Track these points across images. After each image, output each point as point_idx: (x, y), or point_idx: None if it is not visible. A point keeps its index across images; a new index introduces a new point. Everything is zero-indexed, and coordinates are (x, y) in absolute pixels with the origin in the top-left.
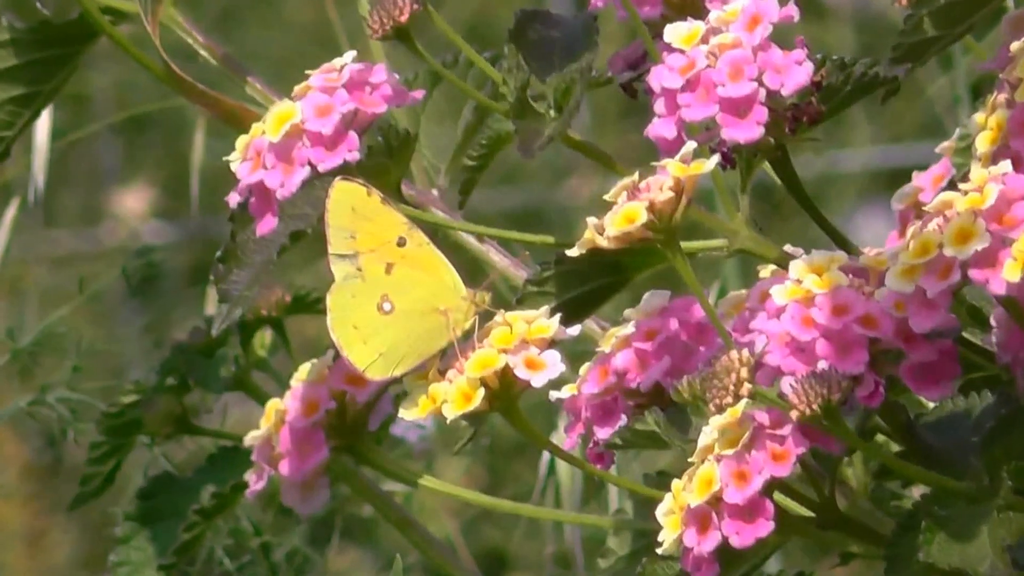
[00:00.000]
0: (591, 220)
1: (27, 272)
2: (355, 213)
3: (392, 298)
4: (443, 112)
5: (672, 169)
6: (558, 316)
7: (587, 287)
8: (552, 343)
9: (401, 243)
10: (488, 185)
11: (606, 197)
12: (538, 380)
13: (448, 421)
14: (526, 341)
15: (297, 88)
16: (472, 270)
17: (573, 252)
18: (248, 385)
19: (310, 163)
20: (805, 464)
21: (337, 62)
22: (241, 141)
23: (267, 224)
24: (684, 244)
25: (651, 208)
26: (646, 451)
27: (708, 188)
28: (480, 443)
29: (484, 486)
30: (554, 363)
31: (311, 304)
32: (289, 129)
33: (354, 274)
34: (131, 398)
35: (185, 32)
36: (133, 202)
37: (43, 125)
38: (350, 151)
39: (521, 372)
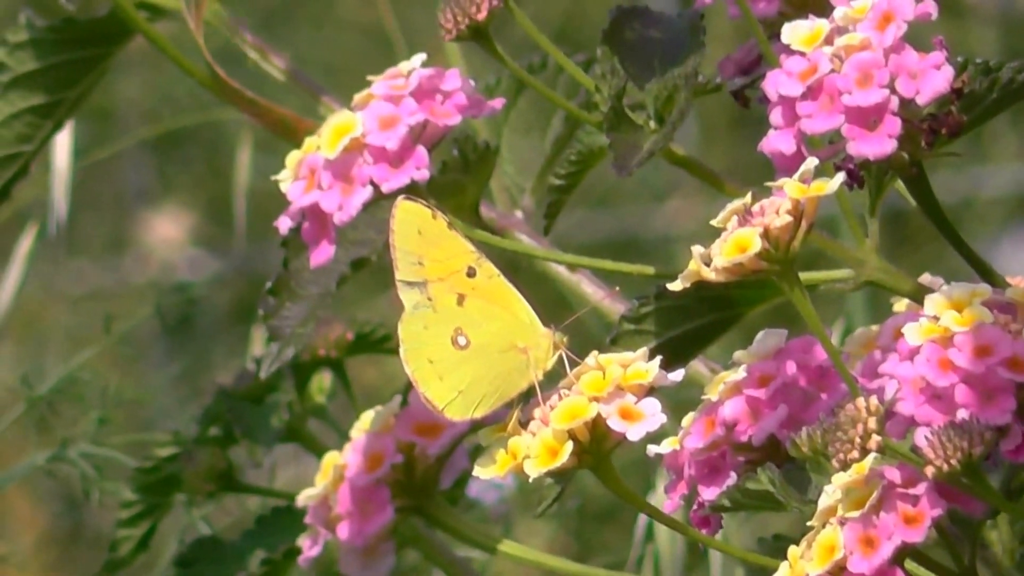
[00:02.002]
0: (697, 249)
1: (46, 309)
2: (422, 237)
3: (467, 332)
4: (529, 122)
5: (790, 190)
6: (658, 359)
7: (692, 325)
8: (651, 390)
9: (471, 273)
10: (579, 207)
11: (714, 222)
12: (635, 433)
13: (531, 480)
14: (621, 388)
15: (357, 97)
16: (560, 303)
17: (676, 285)
18: (303, 436)
19: (372, 182)
20: (941, 528)
21: (404, 67)
22: (293, 157)
23: (323, 252)
24: (804, 276)
25: (766, 235)
26: (758, 514)
27: (832, 212)
28: (567, 505)
29: (571, 554)
30: (653, 413)
31: (376, 343)
32: (348, 144)
33: (424, 303)
34: (168, 451)
35: (231, 31)
36: (167, 229)
37: (64, 140)
38: (418, 168)
39: (615, 423)
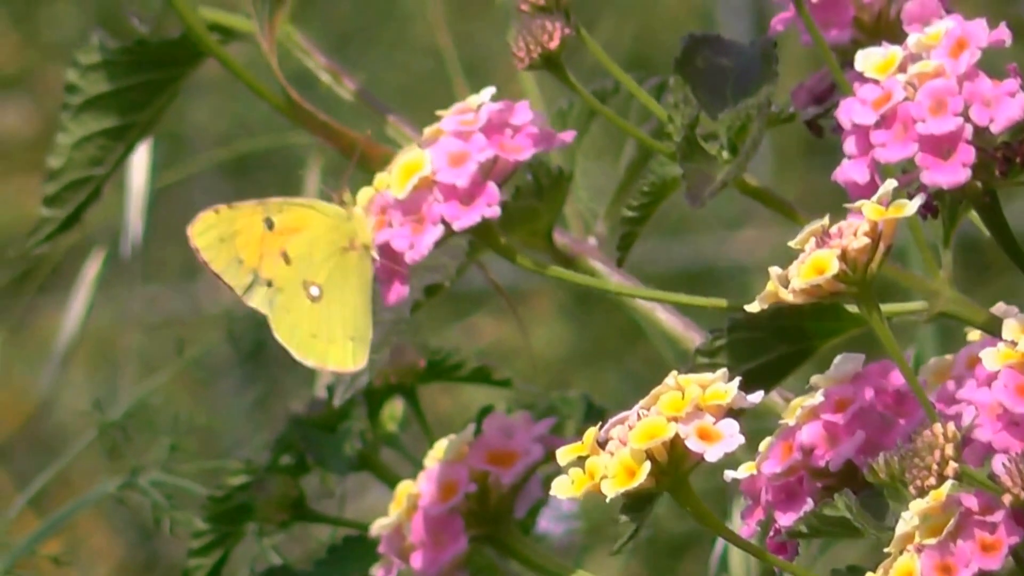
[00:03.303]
0: (775, 270)
1: (119, 335)
2: (223, 240)
3: (310, 278)
4: (601, 147)
5: (868, 212)
6: (737, 380)
7: (766, 357)
8: (730, 411)
9: (270, 225)
10: (652, 236)
11: (791, 244)
12: (713, 453)
13: (608, 499)
14: (700, 408)
15: (427, 132)
16: (634, 330)
17: (753, 307)
18: (375, 465)
19: (443, 221)
20: (1019, 555)
21: (473, 101)
22: (364, 194)
23: (396, 292)
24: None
25: (843, 257)
26: (835, 541)
27: (902, 243)
28: (638, 538)
29: None
30: (732, 434)
31: (448, 371)
32: (418, 182)
33: (271, 292)
34: (240, 480)
35: (304, 54)
36: None
37: (140, 163)
38: (489, 205)
39: (693, 444)
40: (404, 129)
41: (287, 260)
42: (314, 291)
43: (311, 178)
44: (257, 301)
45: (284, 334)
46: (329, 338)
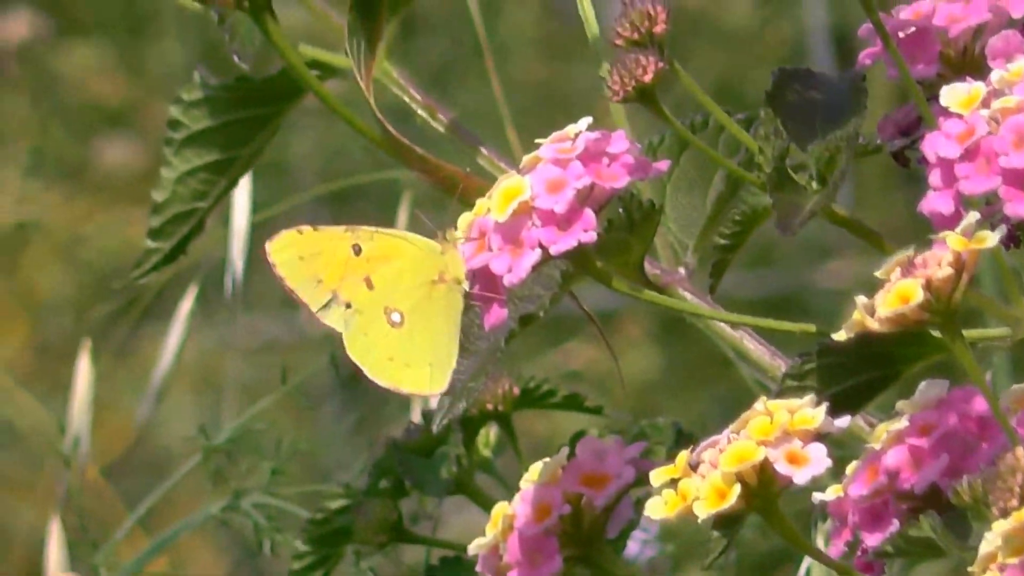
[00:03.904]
0: (860, 299)
1: (223, 362)
2: (304, 260)
3: (393, 305)
4: (691, 180)
5: (952, 243)
6: (825, 405)
7: (852, 381)
8: (818, 436)
9: (357, 251)
10: (739, 267)
11: (877, 274)
12: (801, 476)
13: (700, 520)
14: (788, 433)
15: (525, 159)
16: (721, 359)
17: (840, 336)
18: (470, 488)
19: (541, 245)
20: None
21: (571, 130)
22: (464, 219)
23: (495, 315)
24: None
25: (928, 286)
26: (919, 561)
27: (979, 272)
28: (727, 558)
29: None
30: (819, 458)
31: (542, 398)
32: (517, 207)
33: (349, 314)
34: (340, 503)
35: (401, 89)
36: None
37: (242, 199)
38: (585, 231)
39: (782, 467)
40: (498, 162)
41: (370, 285)
42: (395, 317)
43: (402, 211)
44: (332, 319)
45: (358, 353)
46: (406, 362)
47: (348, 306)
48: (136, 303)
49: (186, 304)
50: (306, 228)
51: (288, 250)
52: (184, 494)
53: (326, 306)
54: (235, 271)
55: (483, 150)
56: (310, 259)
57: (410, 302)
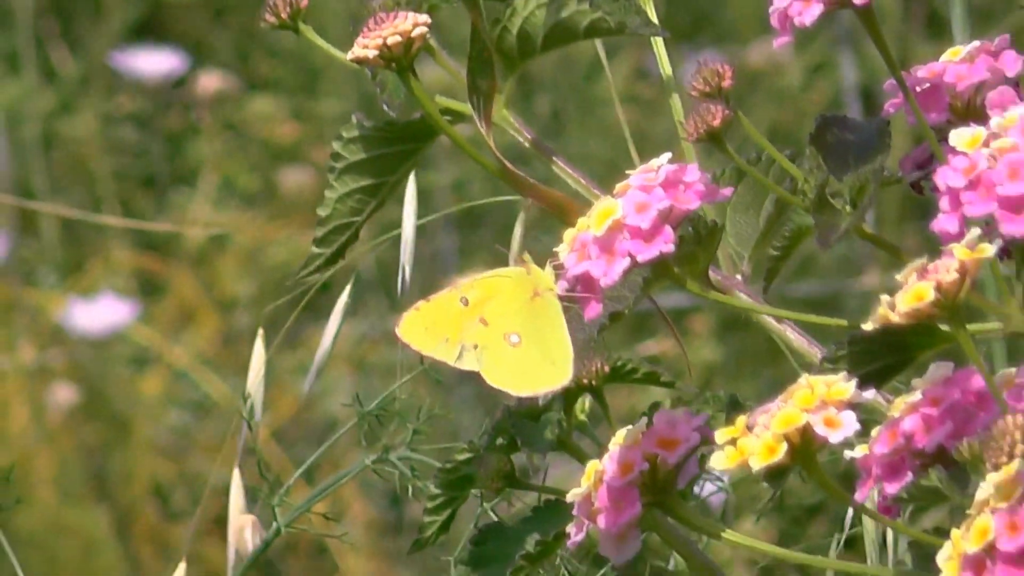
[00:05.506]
0: (884, 297)
1: (374, 349)
2: (428, 329)
3: (509, 330)
4: (747, 204)
5: (958, 253)
6: (855, 380)
7: (877, 364)
8: (849, 405)
9: (465, 303)
10: (787, 274)
11: (897, 277)
12: (835, 437)
13: (754, 472)
14: (825, 402)
15: (618, 186)
16: (771, 347)
17: (868, 326)
18: (569, 446)
19: (630, 254)
20: None
21: (654, 163)
22: (568, 234)
23: (593, 309)
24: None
25: (938, 287)
26: (928, 506)
27: (980, 279)
28: (771, 504)
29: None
30: (850, 422)
31: (627, 374)
32: (611, 224)
33: (478, 353)
34: (465, 456)
35: (516, 131)
36: None
37: (410, 216)
38: (666, 244)
39: (820, 429)
40: (593, 189)
41: (485, 323)
42: (514, 339)
43: (516, 229)
44: (468, 364)
45: (497, 380)
46: (535, 370)
47: (475, 347)
48: (303, 300)
49: (342, 299)
50: (420, 303)
51: (414, 327)
52: (343, 451)
53: (460, 356)
54: (405, 272)
55: (582, 179)
56: (432, 327)
57: (520, 322)
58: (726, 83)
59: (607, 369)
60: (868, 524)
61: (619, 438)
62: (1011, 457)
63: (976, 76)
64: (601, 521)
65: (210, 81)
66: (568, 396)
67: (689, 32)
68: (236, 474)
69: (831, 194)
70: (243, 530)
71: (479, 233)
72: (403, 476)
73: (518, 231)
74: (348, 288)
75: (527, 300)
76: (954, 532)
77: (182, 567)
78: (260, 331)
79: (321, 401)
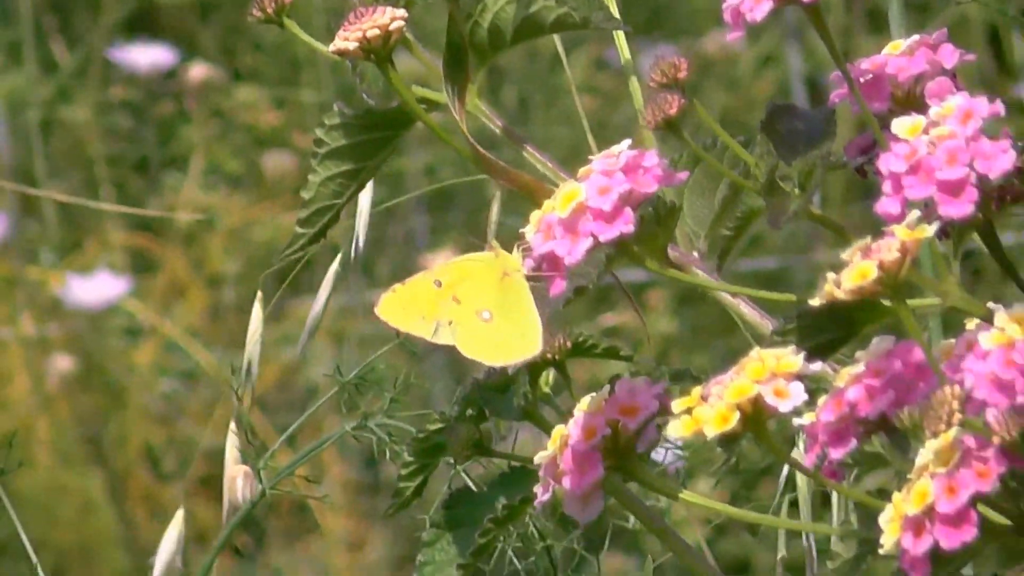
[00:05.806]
0: (830, 275)
1: (350, 322)
2: (404, 308)
3: (479, 308)
4: (703, 187)
5: (899, 233)
6: (803, 354)
7: (824, 337)
8: (797, 376)
9: (439, 284)
10: (740, 252)
11: (843, 255)
12: (784, 407)
13: (708, 439)
14: (775, 374)
15: (581, 171)
16: (725, 320)
17: (815, 302)
18: (535, 416)
19: (592, 234)
20: (1005, 481)
21: (615, 149)
22: (535, 216)
23: (558, 287)
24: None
25: (881, 266)
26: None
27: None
28: (725, 468)
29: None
30: (798, 393)
31: (588, 349)
32: (575, 206)
33: (452, 328)
34: (437, 426)
35: (487, 118)
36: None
37: (366, 197)
38: (626, 224)
39: (770, 399)
40: (560, 172)
41: (458, 302)
42: (486, 315)
43: (491, 210)
44: (444, 338)
45: (471, 352)
46: (506, 343)
47: (450, 323)
48: (289, 276)
49: (331, 271)
50: (396, 286)
51: (391, 307)
52: (323, 418)
53: (435, 332)
54: (358, 246)
55: (548, 163)
56: (408, 306)
57: (491, 299)
58: (682, 75)
59: (569, 344)
60: (802, 485)
61: (583, 405)
62: (949, 425)
63: (916, 68)
64: (566, 482)
65: (198, 72)
66: (533, 370)
67: (647, 26)
68: (232, 427)
69: (781, 178)
70: (236, 479)
71: (450, 214)
72: (380, 441)
73: (495, 210)
74: (338, 257)
75: (497, 280)
76: (895, 495)
77: (179, 515)
78: (259, 295)
79: (303, 370)
